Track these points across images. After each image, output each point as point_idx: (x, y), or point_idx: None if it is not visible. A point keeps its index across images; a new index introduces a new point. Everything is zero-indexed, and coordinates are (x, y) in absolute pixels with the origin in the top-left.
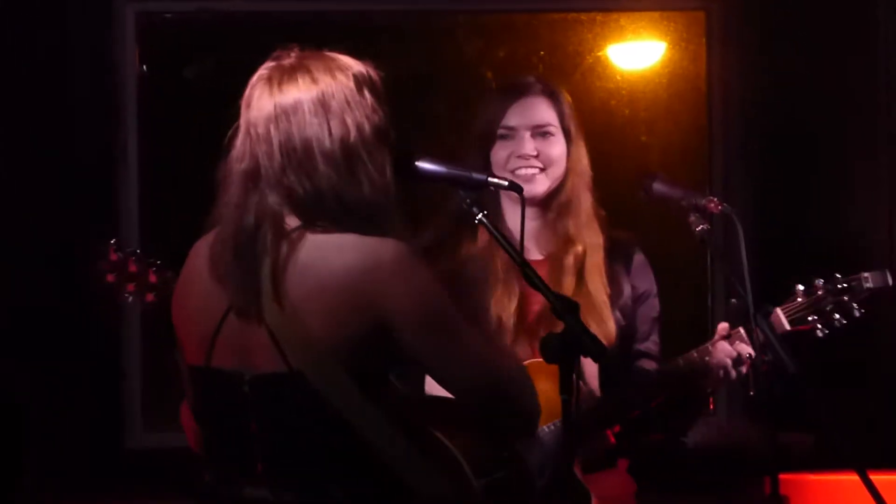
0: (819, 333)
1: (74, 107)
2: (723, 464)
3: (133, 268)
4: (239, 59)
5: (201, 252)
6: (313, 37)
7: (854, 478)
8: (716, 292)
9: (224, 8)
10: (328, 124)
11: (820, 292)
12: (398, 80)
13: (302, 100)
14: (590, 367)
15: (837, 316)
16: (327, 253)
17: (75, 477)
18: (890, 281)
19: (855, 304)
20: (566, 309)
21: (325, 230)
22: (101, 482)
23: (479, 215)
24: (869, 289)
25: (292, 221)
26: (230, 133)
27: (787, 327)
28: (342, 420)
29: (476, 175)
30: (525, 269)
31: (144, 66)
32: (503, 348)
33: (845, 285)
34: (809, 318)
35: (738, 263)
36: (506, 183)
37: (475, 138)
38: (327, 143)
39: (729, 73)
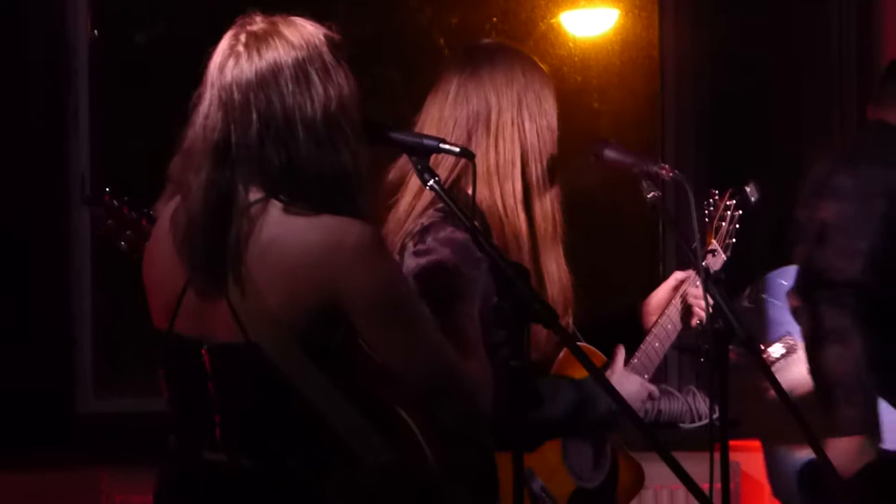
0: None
1: (26, 72)
2: (671, 430)
3: (128, 216)
4: (191, 25)
5: (168, 217)
6: (265, 3)
7: None
8: (667, 259)
9: None
10: (310, 92)
11: (729, 213)
12: (349, 46)
13: (282, 66)
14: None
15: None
16: (291, 230)
17: (25, 444)
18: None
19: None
20: (517, 275)
21: (294, 206)
22: (52, 448)
23: (431, 181)
24: (752, 202)
25: (263, 192)
26: (193, 101)
27: (724, 256)
28: (297, 392)
29: (427, 141)
30: (475, 235)
31: (96, 31)
32: (471, 350)
33: (735, 201)
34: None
35: (690, 230)
36: (457, 149)
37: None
38: (309, 111)
39: (681, 41)
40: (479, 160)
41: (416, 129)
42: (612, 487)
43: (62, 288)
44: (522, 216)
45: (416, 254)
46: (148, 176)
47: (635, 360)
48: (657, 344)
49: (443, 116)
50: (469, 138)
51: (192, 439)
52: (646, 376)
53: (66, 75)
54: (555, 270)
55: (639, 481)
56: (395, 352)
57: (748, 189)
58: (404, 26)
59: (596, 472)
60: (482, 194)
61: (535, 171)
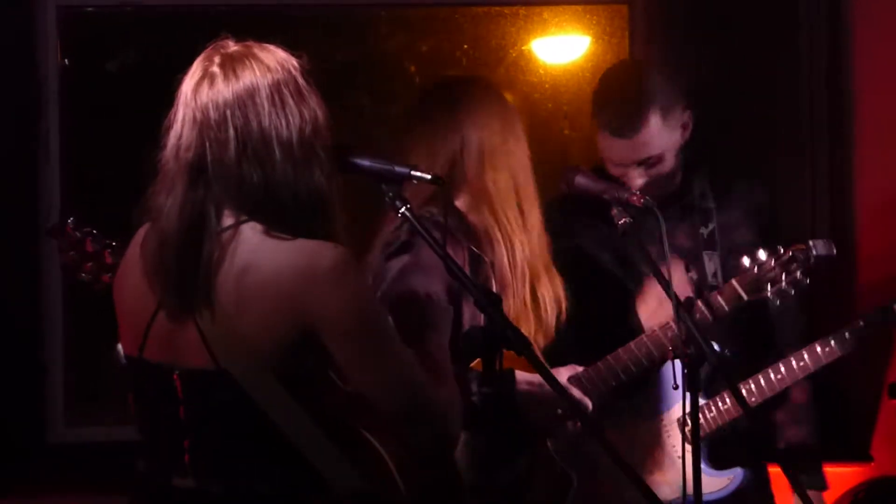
0: (777, 302)
1: None
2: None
3: (90, 248)
4: (161, 53)
5: (139, 243)
6: (236, 30)
7: (777, 470)
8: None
9: (145, 1)
10: (285, 113)
11: (772, 263)
12: (321, 73)
13: (259, 86)
14: None
15: (786, 286)
16: (265, 254)
17: None
18: (834, 250)
19: (801, 274)
20: (489, 302)
21: (266, 229)
22: (23, 478)
23: (402, 209)
24: (816, 257)
25: (234, 218)
26: (165, 123)
27: (746, 297)
28: (267, 418)
29: (399, 168)
30: (447, 262)
31: (66, 60)
32: (441, 373)
33: (792, 254)
34: (766, 288)
35: (661, 256)
36: (428, 177)
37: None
38: (285, 133)
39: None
40: (473, 188)
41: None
42: (516, 494)
43: (33, 317)
44: (519, 236)
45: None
46: (120, 204)
47: (582, 374)
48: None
49: (432, 151)
50: (452, 168)
51: (162, 465)
52: (595, 392)
53: (37, 104)
54: (549, 286)
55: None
56: (367, 374)
57: (812, 243)
58: (376, 53)
59: (499, 470)
60: (480, 219)
61: (525, 193)
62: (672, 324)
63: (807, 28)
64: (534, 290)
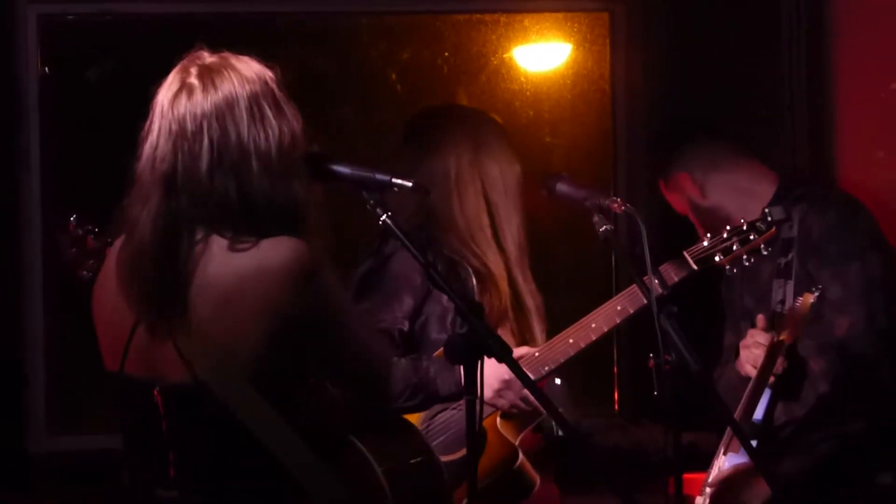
0: (728, 272)
1: None
2: (627, 464)
3: (91, 245)
4: (142, 62)
5: (115, 255)
6: (216, 39)
7: None
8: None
9: (126, 10)
10: (263, 125)
11: (725, 234)
12: (302, 82)
13: (238, 98)
14: None
15: (745, 256)
16: (231, 263)
17: None
18: (785, 214)
19: (762, 245)
20: (471, 310)
21: (237, 241)
22: (4, 489)
23: (384, 216)
24: (772, 222)
25: (204, 231)
26: (142, 134)
27: (694, 267)
28: (248, 430)
29: (380, 176)
30: (429, 270)
31: (46, 68)
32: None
33: (748, 225)
34: (717, 259)
35: (642, 264)
36: (410, 184)
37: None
38: (263, 145)
39: (632, 74)
40: (446, 212)
41: None
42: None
43: (14, 325)
44: (495, 257)
45: None
46: (101, 214)
47: (537, 354)
48: (571, 340)
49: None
50: (421, 202)
51: (146, 477)
52: (546, 369)
53: (17, 113)
54: (529, 288)
55: (508, 461)
56: (337, 360)
57: (767, 210)
58: (357, 62)
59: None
60: (450, 247)
61: (502, 210)
62: (624, 300)
63: (787, 32)
64: (519, 302)
